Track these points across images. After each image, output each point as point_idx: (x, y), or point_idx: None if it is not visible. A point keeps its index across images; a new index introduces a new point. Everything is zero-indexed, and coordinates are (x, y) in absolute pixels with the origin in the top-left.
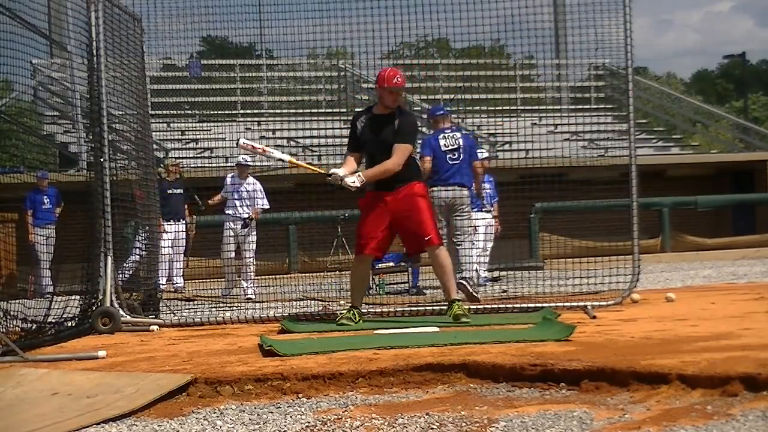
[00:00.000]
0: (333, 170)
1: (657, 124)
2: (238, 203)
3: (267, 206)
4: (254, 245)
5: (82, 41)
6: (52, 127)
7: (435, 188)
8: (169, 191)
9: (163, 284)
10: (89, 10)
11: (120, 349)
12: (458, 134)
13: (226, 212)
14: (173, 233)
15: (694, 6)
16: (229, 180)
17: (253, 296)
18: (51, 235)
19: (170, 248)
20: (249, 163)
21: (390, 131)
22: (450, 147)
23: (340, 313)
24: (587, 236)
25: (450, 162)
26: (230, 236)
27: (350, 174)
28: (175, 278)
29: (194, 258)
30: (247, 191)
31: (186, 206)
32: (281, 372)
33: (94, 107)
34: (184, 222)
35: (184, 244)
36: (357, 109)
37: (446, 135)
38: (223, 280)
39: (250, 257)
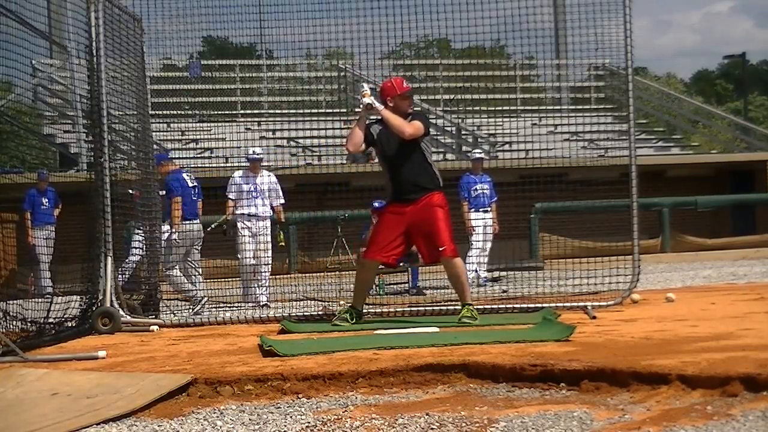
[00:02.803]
0: (366, 91)
1: (657, 125)
2: (258, 201)
3: (283, 201)
4: (270, 246)
5: (82, 41)
6: (52, 128)
7: (188, 221)
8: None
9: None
10: (89, 10)
11: (120, 350)
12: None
13: (239, 212)
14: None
15: (694, 6)
16: (238, 179)
17: (268, 303)
18: (50, 236)
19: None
20: (261, 156)
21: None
22: (193, 184)
23: (338, 312)
24: (587, 236)
25: (193, 198)
26: (247, 236)
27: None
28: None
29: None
30: (266, 186)
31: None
32: (281, 372)
33: (94, 107)
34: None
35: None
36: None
37: (188, 172)
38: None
39: (267, 259)
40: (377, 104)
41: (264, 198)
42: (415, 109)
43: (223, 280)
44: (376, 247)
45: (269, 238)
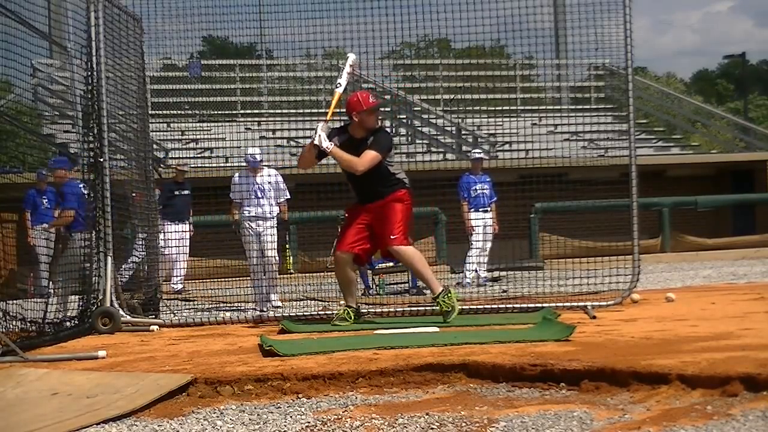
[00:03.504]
0: (321, 126)
1: (657, 124)
2: (262, 201)
3: (288, 197)
4: (275, 245)
5: (82, 41)
6: (52, 128)
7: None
8: (176, 192)
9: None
10: (89, 10)
11: (120, 349)
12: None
13: (245, 214)
14: (176, 234)
15: (693, 6)
16: (236, 179)
17: (281, 304)
18: (50, 237)
19: (173, 249)
20: (258, 158)
21: (365, 149)
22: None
23: (336, 314)
24: (587, 236)
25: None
26: (251, 235)
27: (326, 136)
28: (174, 278)
29: (195, 258)
30: (269, 184)
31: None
32: (281, 372)
33: (93, 107)
34: (188, 223)
35: (188, 245)
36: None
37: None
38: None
39: (273, 259)
40: (325, 144)
41: (267, 197)
42: (381, 127)
43: (223, 280)
44: (339, 240)
45: (275, 237)
